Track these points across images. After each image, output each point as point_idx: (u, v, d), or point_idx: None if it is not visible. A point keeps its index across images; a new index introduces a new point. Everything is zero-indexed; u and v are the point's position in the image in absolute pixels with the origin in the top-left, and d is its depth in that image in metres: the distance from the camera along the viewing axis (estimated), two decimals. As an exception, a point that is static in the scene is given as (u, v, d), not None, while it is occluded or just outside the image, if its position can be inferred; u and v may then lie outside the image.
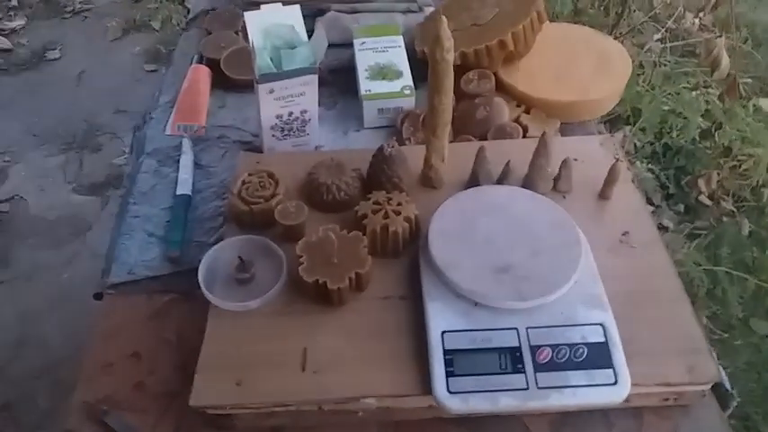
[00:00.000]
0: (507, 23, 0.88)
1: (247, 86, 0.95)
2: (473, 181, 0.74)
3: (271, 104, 0.78)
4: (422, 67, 0.93)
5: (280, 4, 0.79)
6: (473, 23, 0.91)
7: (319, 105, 0.86)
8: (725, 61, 1.21)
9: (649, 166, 1.77)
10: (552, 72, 0.91)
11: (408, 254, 0.68)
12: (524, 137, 0.85)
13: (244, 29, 1.00)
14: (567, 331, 0.59)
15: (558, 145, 0.77)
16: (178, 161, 0.86)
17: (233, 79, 0.95)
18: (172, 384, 0.65)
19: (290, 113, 0.81)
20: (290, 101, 0.79)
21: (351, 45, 0.96)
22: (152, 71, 2.32)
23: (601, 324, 0.60)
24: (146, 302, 0.72)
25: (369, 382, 0.59)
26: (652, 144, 1.82)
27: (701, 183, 1.53)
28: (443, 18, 0.61)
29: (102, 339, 0.70)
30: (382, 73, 0.90)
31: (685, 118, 1.76)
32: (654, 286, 0.66)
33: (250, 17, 0.77)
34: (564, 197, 0.74)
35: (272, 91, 0.77)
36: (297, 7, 0.78)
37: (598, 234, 0.69)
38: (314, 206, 0.72)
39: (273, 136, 0.83)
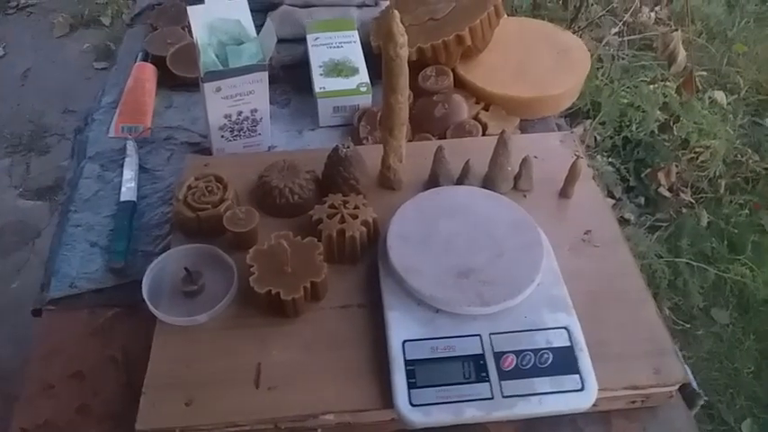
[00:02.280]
0: (464, 18, 0.85)
1: (195, 85, 0.90)
2: (432, 181, 0.72)
3: (218, 104, 0.74)
4: (378, 63, 0.89)
5: (226, -3, 0.75)
6: (429, 18, 0.89)
7: (272, 103, 0.82)
8: (681, 55, 1.21)
9: (610, 159, 1.78)
10: (511, 68, 0.89)
11: (366, 259, 0.65)
12: (484, 134, 0.83)
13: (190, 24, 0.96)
14: (532, 336, 0.57)
15: (518, 142, 0.75)
16: (122, 165, 0.81)
17: (180, 77, 0.91)
18: (118, 406, 0.61)
19: (240, 113, 0.77)
20: (238, 100, 0.75)
21: (304, 40, 0.93)
22: (102, 69, 2.23)
23: (565, 328, 0.58)
24: (88, 318, 0.67)
25: (327, 397, 0.55)
26: (612, 138, 1.83)
27: (661, 176, 1.54)
28: (395, 12, 0.58)
29: (41, 359, 0.65)
30: (337, 69, 0.86)
31: (644, 111, 1.78)
32: (617, 286, 0.64)
33: (193, 12, 0.72)
34: (525, 196, 0.72)
35: (218, 89, 0.73)
36: (243, 1, 0.74)
37: (560, 233, 0.67)
38: (266, 211, 0.68)
39: (222, 137, 0.79)
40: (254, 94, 0.75)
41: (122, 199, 0.76)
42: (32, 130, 2.06)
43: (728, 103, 1.96)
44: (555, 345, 0.57)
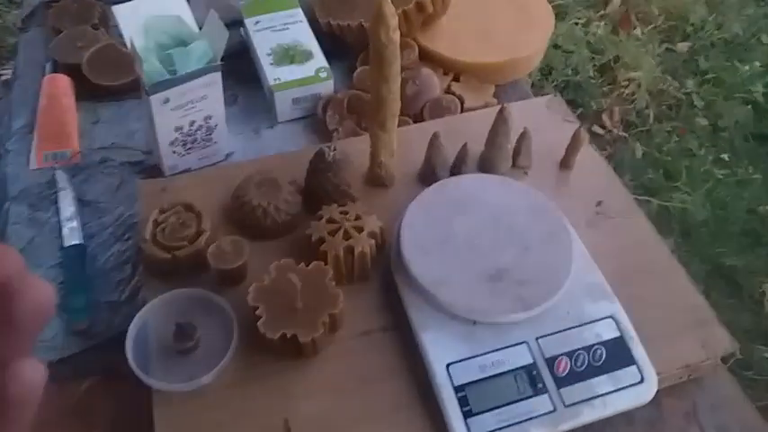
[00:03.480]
0: (422, -19, 0.77)
1: (122, 92, 0.78)
2: (427, 171, 0.64)
3: (167, 117, 0.63)
4: (329, 41, 0.81)
5: (155, -11, 0.63)
6: (381, -15, 0.79)
7: (221, 105, 0.71)
8: (618, -6, 1.18)
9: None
10: (475, 32, 0.82)
11: (376, 273, 0.58)
12: (462, 109, 0.76)
13: (103, 21, 0.82)
14: (580, 332, 0.53)
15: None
16: (56, 201, 0.68)
17: (102, 86, 0.77)
18: (119, 496, 0.52)
19: (192, 122, 0.66)
20: (190, 108, 0.64)
21: (238, 24, 0.81)
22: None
23: (611, 316, 0.54)
24: (59, 395, 0.56)
25: (373, 443, 0.49)
26: (540, 80, 1.82)
27: (605, 118, 1.54)
28: (386, -10, 0.49)
29: (9, 457, 0.54)
30: (289, 56, 0.76)
31: (570, 52, 1.77)
32: (644, 258, 0.61)
33: (121, 12, 0.60)
34: (525, 173, 0.67)
35: (167, 101, 0.61)
36: (178, -9, 0.63)
37: (573, 210, 0.62)
38: (248, 235, 0.59)
39: (174, 152, 0.68)
40: (207, 99, 0.64)
41: (66, 243, 0.64)
42: None
43: (643, 33, 1.99)
44: (605, 337, 0.53)
